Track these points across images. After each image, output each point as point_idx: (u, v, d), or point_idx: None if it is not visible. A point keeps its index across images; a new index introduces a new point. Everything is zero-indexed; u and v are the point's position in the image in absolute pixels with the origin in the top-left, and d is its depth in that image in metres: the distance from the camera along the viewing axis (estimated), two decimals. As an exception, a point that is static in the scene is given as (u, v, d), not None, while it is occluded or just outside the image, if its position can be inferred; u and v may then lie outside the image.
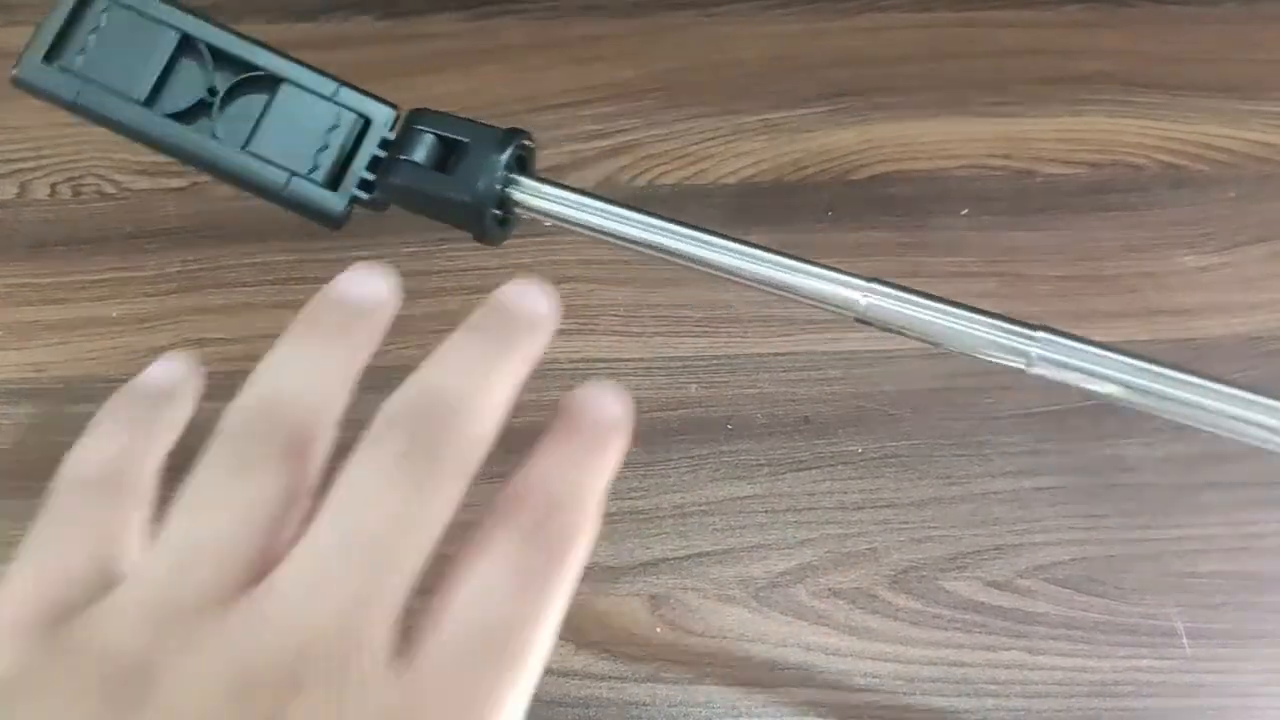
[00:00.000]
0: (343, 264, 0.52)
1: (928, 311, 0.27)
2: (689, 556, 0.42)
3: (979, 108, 0.54)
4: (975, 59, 0.55)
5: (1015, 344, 0.26)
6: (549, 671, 0.40)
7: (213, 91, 0.30)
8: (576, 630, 0.40)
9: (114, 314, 0.47)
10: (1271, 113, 0.54)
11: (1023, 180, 0.52)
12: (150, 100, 0.30)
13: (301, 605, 0.16)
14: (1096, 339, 0.26)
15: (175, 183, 0.51)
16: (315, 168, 0.30)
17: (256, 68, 0.30)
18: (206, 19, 0.30)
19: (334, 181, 0.31)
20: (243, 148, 0.30)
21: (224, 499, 0.18)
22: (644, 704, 0.39)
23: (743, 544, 0.42)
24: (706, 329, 0.47)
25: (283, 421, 0.18)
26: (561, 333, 0.48)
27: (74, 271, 0.48)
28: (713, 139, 0.53)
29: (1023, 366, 0.26)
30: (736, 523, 0.42)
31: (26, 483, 0.43)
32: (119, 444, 0.19)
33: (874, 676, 0.39)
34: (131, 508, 0.19)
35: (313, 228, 0.50)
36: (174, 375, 0.21)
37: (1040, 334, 0.26)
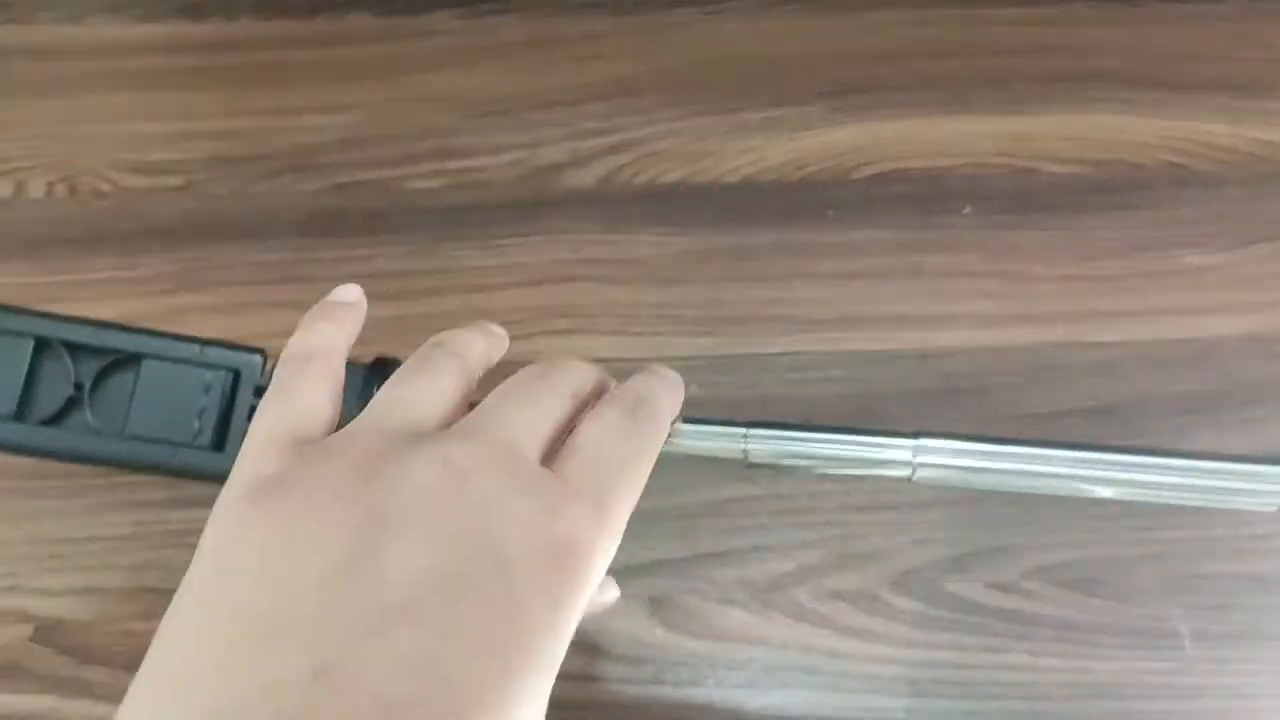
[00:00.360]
0: (341, 263, 0.52)
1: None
2: (690, 558, 0.41)
3: (981, 106, 0.53)
4: (977, 57, 0.55)
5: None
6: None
7: (79, 386, 0.30)
8: (577, 631, 0.40)
9: (111, 313, 0.46)
10: (1275, 111, 0.53)
11: (1025, 179, 0.51)
12: (20, 412, 0.30)
13: (482, 431, 0.24)
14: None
15: (172, 181, 0.51)
16: (198, 432, 0.30)
17: (117, 351, 0.30)
18: (57, 316, 0.31)
19: (219, 441, 0.30)
20: (122, 433, 0.30)
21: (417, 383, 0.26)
22: (644, 706, 0.39)
23: (744, 545, 0.42)
24: (706, 329, 0.47)
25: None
26: (561, 333, 0.48)
27: (70, 271, 0.48)
28: (713, 137, 0.52)
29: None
30: (738, 524, 0.42)
31: (22, 483, 0.43)
32: (325, 332, 0.27)
33: (876, 679, 0.39)
34: (335, 375, 0.26)
35: (312, 228, 0.50)
36: (353, 294, 0.30)
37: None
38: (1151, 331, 0.47)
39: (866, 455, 0.27)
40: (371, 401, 0.25)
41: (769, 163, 0.52)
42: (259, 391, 0.30)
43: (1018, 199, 0.51)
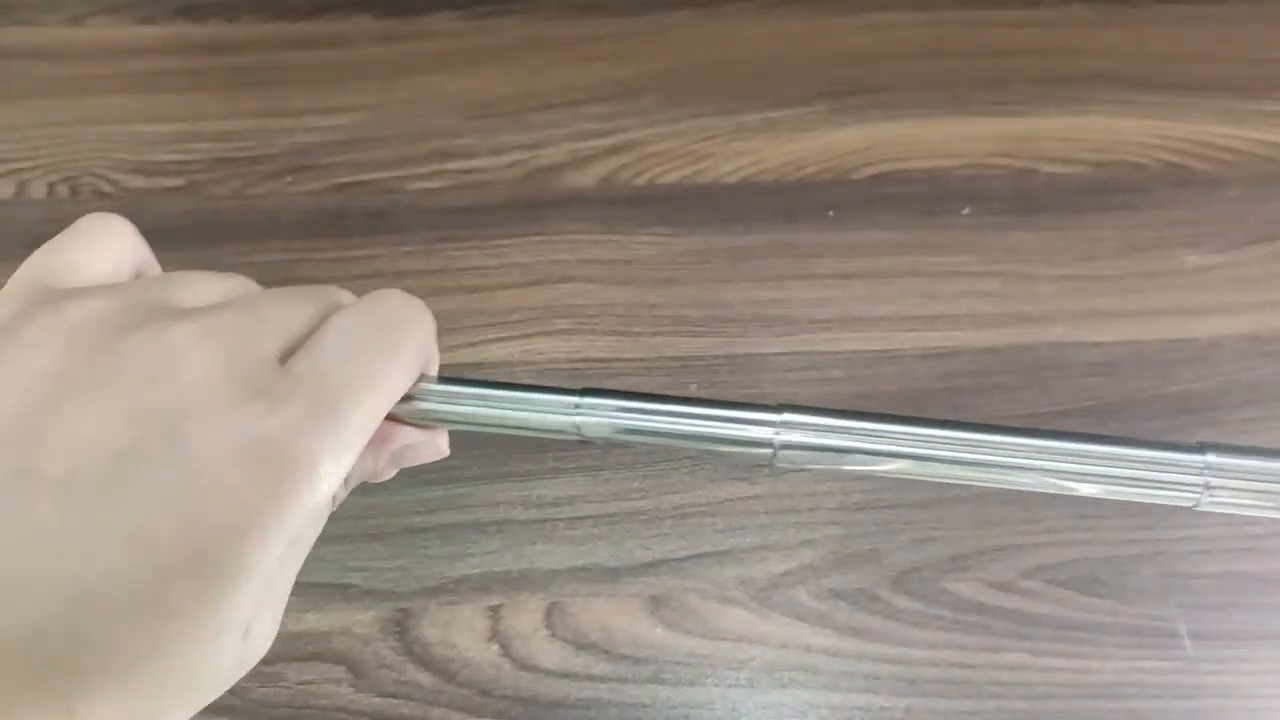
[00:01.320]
0: (341, 264, 0.52)
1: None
2: (689, 557, 0.41)
3: (980, 107, 0.54)
4: (977, 57, 0.55)
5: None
6: (548, 672, 0.40)
7: None
8: (577, 631, 0.40)
9: (112, 314, 0.47)
10: (1275, 112, 0.53)
11: (1024, 180, 0.52)
12: None
13: (220, 313, 0.21)
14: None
15: (173, 182, 0.51)
16: None
17: None
18: None
19: None
20: None
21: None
22: (644, 705, 0.39)
23: (743, 545, 0.42)
24: (706, 329, 0.47)
25: None
26: (561, 333, 0.48)
27: (71, 271, 0.48)
28: (713, 138, 0.53)
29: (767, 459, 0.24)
30: (737, 523, 0.42)
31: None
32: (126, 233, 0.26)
33: (875, 678, 0.39)
34: (121, 250, 0.25)
35: (313, 228, 0.50)
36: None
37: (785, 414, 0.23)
38: (1151, 331, 0.47)
39: (719, 432, 0.24)
40: (145, 272, 0.24)
41: (769, 163, 0.52)
42: None
43: (1017, 199, 0.51)
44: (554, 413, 0.25)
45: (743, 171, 0.52)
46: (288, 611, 0.40)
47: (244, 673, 0.21)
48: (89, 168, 0.51)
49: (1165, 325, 0.47)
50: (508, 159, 0.52)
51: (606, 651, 0.40)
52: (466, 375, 0.25)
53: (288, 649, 0.39)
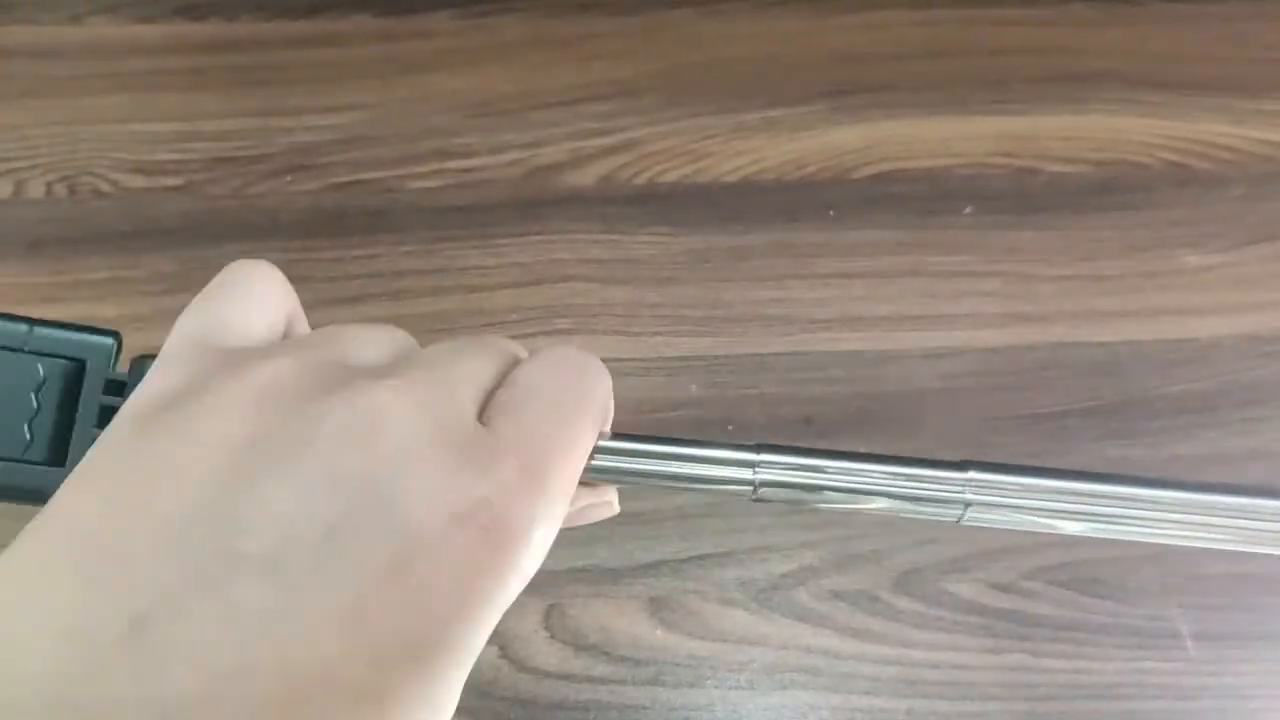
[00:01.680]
0: (340, 264, 0.52)
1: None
2: (690, 559, 0.41)
3: (981, 106, 0.53)
4: (977, 57, 0.55)
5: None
6: (548, 674, 0.40)
7: None
8: (577, 633, 0.40)
9: (110, 314, 0.47)
10: (1276, 111, 0.53)
11: (1025, 179, 0.51)
12: None
13: (414, 370, 0.20)
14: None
15: (172, 181, 0.51)
16: (29, 442, 0.23)
17: None
18: None
19: (59, 453, 0.23)
20: None
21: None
22: (645, 707, 0.39)
23: (744, 546, 0.42)
24: (706, 329, 0.47)
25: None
26: (561, 333, 0.48)
27: (70, 271, 0.48)
28: (713, 137, 0.52)
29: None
30: (738, 525, 0.42)
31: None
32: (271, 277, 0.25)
33: (876, 679, 0.39)
34: (272, 305, 0.24)
35: (312, 228, 0.50)
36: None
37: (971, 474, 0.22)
38: (1151, 331, 0.47)
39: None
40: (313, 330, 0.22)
41: (769, 163, 0.52)
42: (113, 387, 0.23)
43: (1018, 199, 0.51)
44: (731, 467, 0.23)
45: (743, 171, 0.51)
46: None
47: None
48: (87, 167, 0.51)
49: (1166, 325, 0.47)
50: (507, 158, 0.52)
51: (606, 653, 0.40)
52: (635, 433, 0.24)
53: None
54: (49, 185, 0.51)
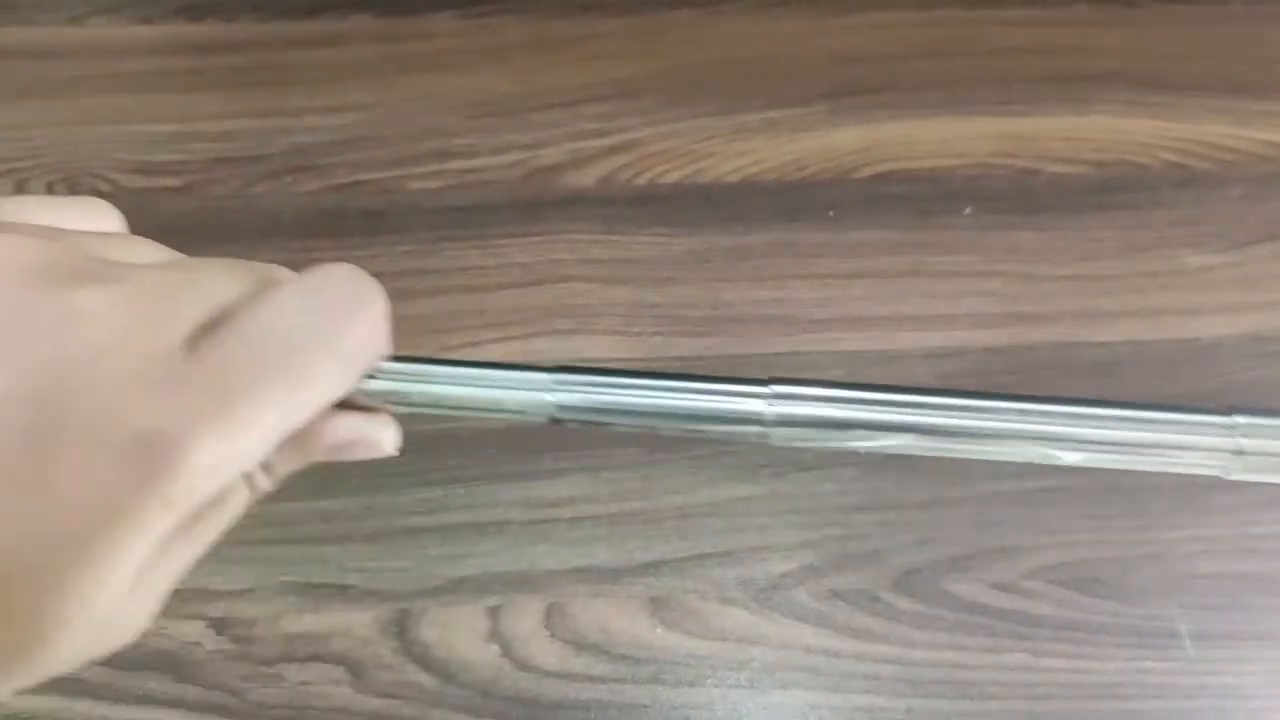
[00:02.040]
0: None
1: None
2: (690, 558, 0.41)
3: (982, 106, 0.53)
4: (978, 57, 0.55)
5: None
6: (547, 673, 0.40)
7: None
8: (577, 632, 0.40)
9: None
10: (1276, 112, 0.53)
11: (1026, 179, 0.51)
12: None
13: (132, 278, 0.19)
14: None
15: (172, 181, 0.51)
16: None
17: None
18: None
19: None
20: None
21: None
22: (645, 706, 0.39)
23: (744, 545, 0.42)
24: (706, 329, 0.47)
25: None
26: (561, 333, 0.48)
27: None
28: (714, 137, 0.52)
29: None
30: (738, 524, 0.42)
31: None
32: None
33: (876, 679, 0.39)
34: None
35: (312, 228, 0.50)
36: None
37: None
38: (1152, 331, 0.47)
39: (707, 407, 0.22)
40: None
41: (769, 163, 0.52)
42: None
43: (1019, 199, 0.51)
44: (528, 390, 0.23)
45: (743, 171, 0.52)
46: (287, 612, 0.40)
47: (98, 657, 0.20)
48: (88, 167, 0.51)
49: (1167, 325, 0.47)
50: (508, 159, 0.52)
51: (606, 652, 0.40)
52: (426, 356, 0.23)
53: (287, 649, 0.39)
54: (50, 185, 0.51)
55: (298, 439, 0.21)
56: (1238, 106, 0.53)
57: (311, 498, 0.42)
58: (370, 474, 0.42)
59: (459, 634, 0.40)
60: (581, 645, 0.40)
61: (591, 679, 0.39)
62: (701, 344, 0.46)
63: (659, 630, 0.40)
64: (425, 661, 0.39)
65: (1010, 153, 0.52)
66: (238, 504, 0.21)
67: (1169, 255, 0.49)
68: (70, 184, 0.51)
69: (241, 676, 0.39)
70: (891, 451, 0.22)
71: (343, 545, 0.41)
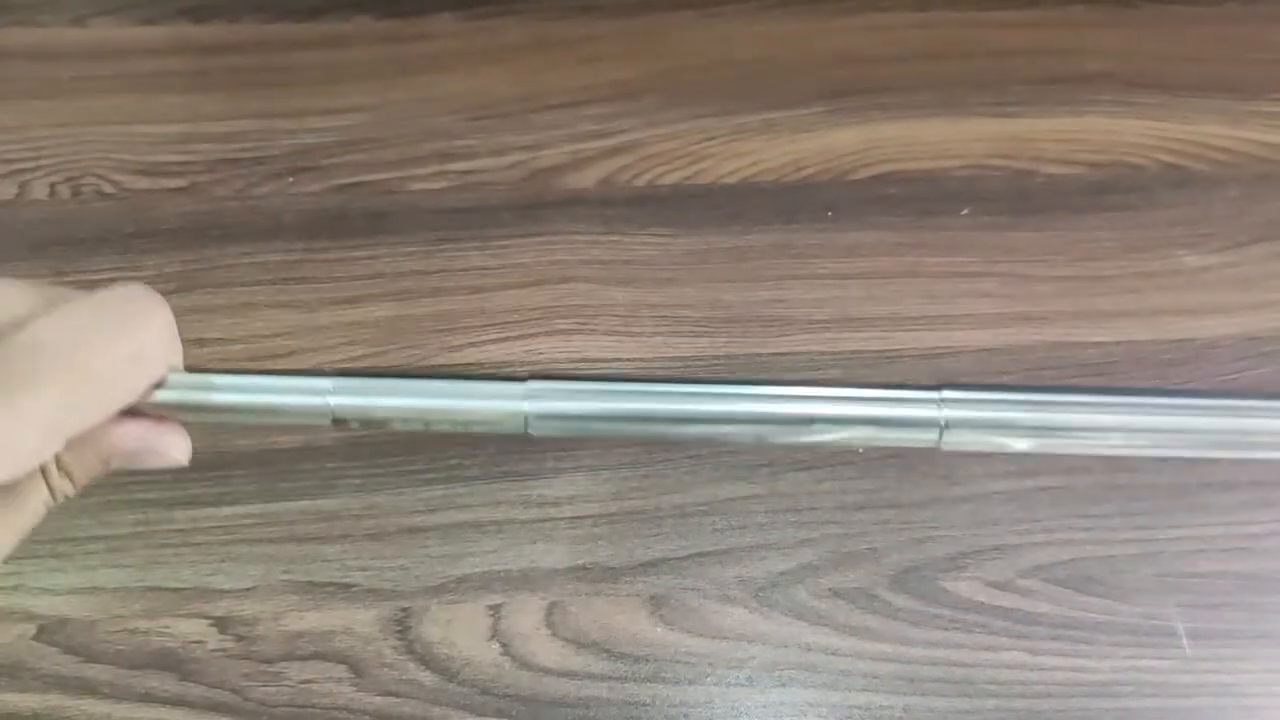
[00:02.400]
0: (343, 264, 0.52)
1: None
2: (689, 556, 0.42)
3: (979, 108, 0.54)
4: (975, 58, 0.55)
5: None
6: (548, 671, 0.40)
7: None
8: (576, 630, 0.40)
9: (113, 314, 0.47)
10: (1272, 113, 0.54)
11: (1023, 180, 0.52)
12: None
13: None
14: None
15: (175, 182, 0.51)
16: None
17: None
18: None
19: None
20: None
21: None
22: (644, 704, 0.39)
23: (743, 544, 0.42)
24: (706, 329, 0.47)
25: None
26: (561, 333, 0.48)
27: (73, 272, 0.48)
28: (712, 139, 0.53)
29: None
30: (737, 523, 0.42)
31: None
32: None
33: (874, 677, 0.39)
34: None
35: (315, 229, 0.50)
36: None
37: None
38: (1149, 332, 0.47)
39: (470, 408, 0.23)
40: None
41: (768, 164, 0.52)
42: None
43: (1016, 200, 0.51)
44: (308, 395, 0.24)
45: (742, 172, 0.52)
46: (289, 611, 0.40)
47: None
48: (91, 168, 0.51)
49: (1163, 325, 0.47)
50: (508, 160, 0.52)
51: (607, 650, 0.40)
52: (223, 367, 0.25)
53: (289, 648, 0.40)
54: (53, 186, 0.51)
55: (90, 444, 0.23)
56: (1234, 107, 0.54)
57: (313, 497, 0.42)
58: (371, 474, 0.42)
59: (460, 632, 0.40)
60: (582, 643, 0.40)
61: (592, 677, 0.39)
62: (701, 344, 0.47)
63: (659, 628, 0.40)
64: (427, 660, 0.39)
65: (1007, 154, 0.52)
66: (37, 502, 0.23)
67: (1166, 256, 0.49)
68: (73, 185, 0.51)
69: (243, 675, 0.39)
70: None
71: (344, 544, 0.42)
